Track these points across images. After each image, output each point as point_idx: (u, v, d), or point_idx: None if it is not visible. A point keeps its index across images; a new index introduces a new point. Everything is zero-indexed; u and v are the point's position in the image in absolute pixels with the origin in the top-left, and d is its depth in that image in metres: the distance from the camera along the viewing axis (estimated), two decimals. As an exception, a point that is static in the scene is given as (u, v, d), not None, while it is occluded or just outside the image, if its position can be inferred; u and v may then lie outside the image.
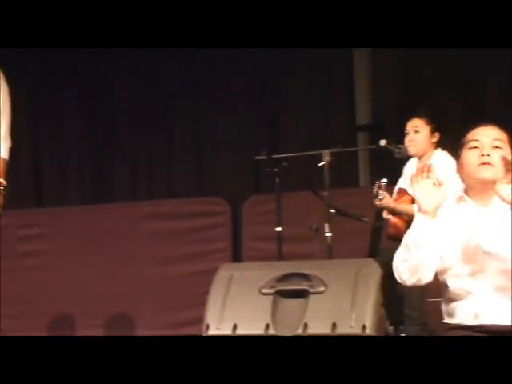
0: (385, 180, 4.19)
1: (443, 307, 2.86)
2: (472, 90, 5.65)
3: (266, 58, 5.90)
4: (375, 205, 4.22)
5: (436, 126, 4.31)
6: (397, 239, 4.23)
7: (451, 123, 4.96)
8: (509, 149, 2.86)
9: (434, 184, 2.65)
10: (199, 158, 6.22)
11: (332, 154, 4.17)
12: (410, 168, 4.47)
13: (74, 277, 5.59)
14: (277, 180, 4.27)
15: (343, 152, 4.45)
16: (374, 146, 4.76)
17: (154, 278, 5.61)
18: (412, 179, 2.80)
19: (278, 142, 5.95)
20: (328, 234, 4.10)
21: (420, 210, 2.65)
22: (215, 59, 5.83)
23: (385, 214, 4.28)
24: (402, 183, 4.45)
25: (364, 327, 3.14)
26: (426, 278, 2.74)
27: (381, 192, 4.17)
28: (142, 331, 5.40)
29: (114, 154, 6.39)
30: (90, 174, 6.47)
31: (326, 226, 4.12)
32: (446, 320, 2.84)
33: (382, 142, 4.38)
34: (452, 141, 4.31)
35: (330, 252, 4.06)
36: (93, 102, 6.38)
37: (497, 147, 2.85)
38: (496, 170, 2.78)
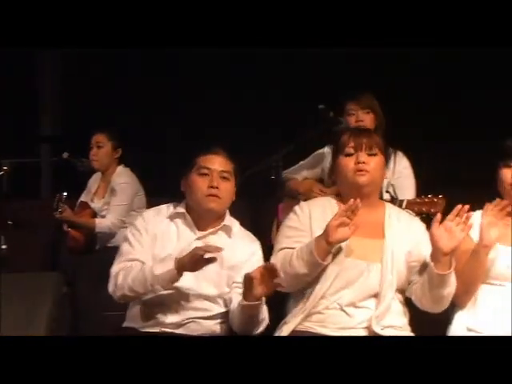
0: (65, 193, 4.21)
1: (129, 313, 3.00)
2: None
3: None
4: (56, 217, 4.22)
5: (117, 142, 4.46)
6: (76, 252, 4.33)
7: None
8: (233, 179, 2.98)
9: None
10: None
11: (11, 164, 4.13)
12: (93, 182, 4.59)
13: None
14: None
15: (24, 162, 4.42)
16: (55, 159, 4.78)
17: None
18: None
19: None
20: (4, 247, 4.03)
21: None
22: None
23: (65, 227, 4.31)
24: (84, 197, 4.53)
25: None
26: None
27: (61, 205, 4.18)
28: None
29: None
30: None
31: (2, 238, 4.05)
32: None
33: (65, 155, 4.44)
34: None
35: (6, 265, 4.00)
36: None
37: (225, 178, 2.95)
38: (223, 202, 2.93)
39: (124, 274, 2.92)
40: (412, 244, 2.93)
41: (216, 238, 2.99)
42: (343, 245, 2.87)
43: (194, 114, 5.50)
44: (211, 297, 2.93)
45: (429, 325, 3.14)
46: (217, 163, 2.98)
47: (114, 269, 2.96)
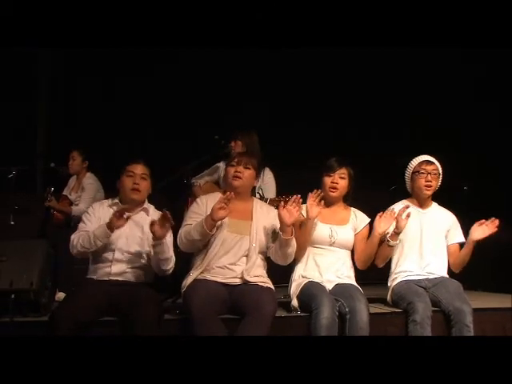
0: (52, 188, 5.04)
1: (89, 267, 3.60)
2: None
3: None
4: (46, 205, 5.02)
5: (85, 156, 5.40)
6: (58, 227, 5.05)
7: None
8: (149, 179, 3.54)
9: None
10: None
11: (18, 170, 5.08)
12: (71, 182, 5.41)
13: None
14: None
15: (26, 169, 5.40)
16: (46, 166, 5.73)
17: None
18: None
19: None
20: (12, 223, 4.86)
21: None
22: None
23: (52, 211, 5.12)
24: (65, 191, 5.36)
25: (32, 284, 3.60)
26: None
27: (49, 196, 5.03)
28: None
29: None
30: None
31: (11, 217, 4.90)
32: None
33: (52, 164, 5.44)
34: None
35: (13, 234, 4.71)
36: None
37: (143, 178, 3.53)
38: (142, 194, 3.52)
39: (77, 238, 3.47)
40: (269, 223, 3.62)
41: (138, 216, 3.59)
42: (225, 223, 3.46)
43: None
44: (136, 252, 3.53)
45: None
46: (138, 168, 3.60)
47: (72, 236, 3.54)
